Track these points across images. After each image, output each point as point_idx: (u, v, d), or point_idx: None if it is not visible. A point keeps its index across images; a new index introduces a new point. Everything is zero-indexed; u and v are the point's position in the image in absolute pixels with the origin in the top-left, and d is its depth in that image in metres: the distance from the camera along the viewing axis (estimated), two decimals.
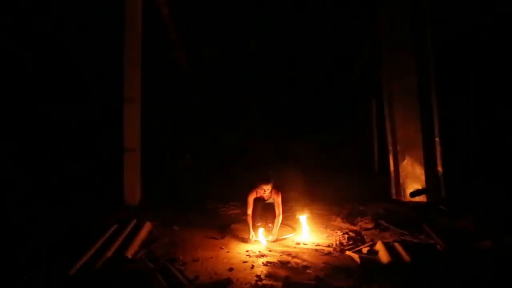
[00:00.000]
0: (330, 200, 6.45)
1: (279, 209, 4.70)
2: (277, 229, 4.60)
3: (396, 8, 6.87)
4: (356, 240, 4.51)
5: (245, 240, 4.44)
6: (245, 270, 3.59)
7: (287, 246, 4.29)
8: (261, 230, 4.52)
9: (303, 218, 4.96)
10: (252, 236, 4.44)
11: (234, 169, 9.15)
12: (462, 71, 7.24)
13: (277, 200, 4.74)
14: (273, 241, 4.44)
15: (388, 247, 4.07)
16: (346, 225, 5.15)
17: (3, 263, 3.62)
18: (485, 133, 7.46)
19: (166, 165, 9.76)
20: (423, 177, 6.42)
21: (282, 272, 3.54)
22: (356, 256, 3.92)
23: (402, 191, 6.62)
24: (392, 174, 6.77)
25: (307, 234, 4.67)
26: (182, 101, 10.97)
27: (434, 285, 3.35)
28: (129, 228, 4.60)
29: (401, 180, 6.65)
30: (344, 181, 8.48)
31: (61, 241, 4.21)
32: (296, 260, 3.85)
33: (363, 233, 4.79)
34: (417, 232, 4.76)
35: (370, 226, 5.09)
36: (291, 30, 10.28)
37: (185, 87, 11.04)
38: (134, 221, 4.92)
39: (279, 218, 4.64)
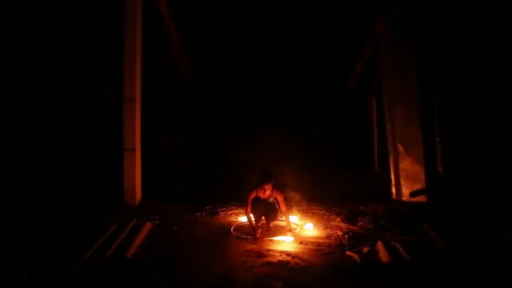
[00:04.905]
0: (330, 200, 6.45)
1: (284, 207, 4.82)
2: (290, 222, 4.81)
3: (396, 8, 6.87)
4: (356, 240, 4.51)
5: (248, 239, 4.46)
6: (245, 270, 3.58)
7: (287, 246, 4.28)
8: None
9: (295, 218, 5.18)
10: (255, 231, 4.55)
11: (234, 169, 9.15)
12: (462, 71, 7.23)
13: (280, 198, 4.79)
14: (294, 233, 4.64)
15: (388, 247, 4.07)
16: (346, 225, 5.15)
17: (2, 263, 3.61)
18: (485, 132, 7.46)
19: (166, 165, 9.76)
20: (423, 177, 6.43)
21: (282, 272, 3.53)
22: (356, 256, 3.92)
23: (402, 191, 6.62)
24: (392, 174, 6.77)
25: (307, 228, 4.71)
26: (182, 101, 10.97)
27: (434, 285, 3.35)
28: (129, 228, 4.60)
29: (401, 180, 6.65)
30: (344, 181, 8.47)
31: (60, 241, 4.20)
32: (296, 260, 3.84)
33: (363, 233, 4.79)
34: (417, 232, 4.76)
35: (370, 226, 5.09)
36: (291, 30, 10.27)
37: (185, 87, 11.04)
38: (134, 221, 4.92)
39: (288, 214, 4.82)
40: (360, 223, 5.20)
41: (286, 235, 4.61)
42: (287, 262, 3.78)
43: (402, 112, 6.70)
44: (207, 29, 9.99)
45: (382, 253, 3.93)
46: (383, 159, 8.58)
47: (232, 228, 4.90)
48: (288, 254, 4.01)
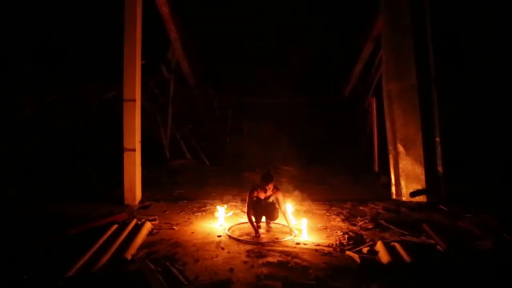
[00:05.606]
0: (330, 200, 6.45)
1: (284, 206, 4.83)
2: (292, 221, 4.83)
3: (396, 8, 6.86)
4: (356, 240, 4.51)
5: (249, 241, 4.45)
6: (245, 270, 3.59)
7: (287, 246, 4.28)
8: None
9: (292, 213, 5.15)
10: (256, 233, 4.53)
11: (234, 169, 9.16)
12: (462, 71, 7.24)
13: (280, 197, 4.80)
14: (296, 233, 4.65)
15: (388, 247, 4.07)
16: (346, 225, 5.15)
17: (3, 263, 3.62)
18: (485, 133, 7.47)
19: (166, 165, 9.77)
20: (423, 177, 6.42)
21: (282, 272, 3.54)
22: (356, 256, 3.92)
23: (402, 191, 6.62)
24: (392, 174, 6.78)
25: (305, 232, 4.67)
26: (182, 101, 10.98)
27: (434, 285, 3.35)
28: (129, 228, 4.60)
29: (401, 180, 6.65)
30: (344, 181, 8.49)
31: (61, 242, 4.20)
32: (296, 260, 3.85)
33: (363, 233, 4.79)
34: (417, 232, 4.76)
35: (370, 226, 5.09)
36: (291, 30, 10.29)
37: (185, 87, 11.04)
38: (134, 221, 4.92)
39: (287, 213, 4.83)
40: (360, 223, 5.20)
41: (292, 234, 4.64)
42: (287, 262, 3.78)
43: (402, 112, 6.70)
44: (207, 29, 10.00)
45: (382, 253, 3.93)
46: (383, 159, 8.59)
47: (228, 228, 4.89)
48: (288, 254, 4.01)
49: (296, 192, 6.60)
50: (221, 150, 10.90)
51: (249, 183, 5.44)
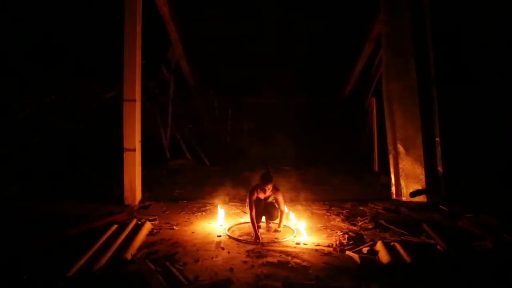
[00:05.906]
0: (330, 200, 6.45)
1: (282, 206, 4.82)
2: (283, 223, 4.85)
3: (396, 8, 6.87)
4: (356, 240, 4.51)
5: (249, 241, 4.44)
6: (245, 270, 3.59)
7: (287, 246, 4.28)
8: None
9: (292, 215, 5.18)
10: (256, 238, 4.43)
11: (234, 169, 9.15)
12: (462, 71, 7.24)
13: (279, 198, 4.79)
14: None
15: (388, 247, 4.07)
16: (346, 225, 5.15)
17: (3, 263, 3.61)
18: (485, 133, 7.47)
19: (166, 165, 9.77)
20: (423, 177, 6.43)
21: (282, 272, 3.54)
22: (356, 256, 3.92)
23: (402, 191, 6.62)
24: (392, 174, 6.78)
25: (303, 232, 4.66)
26: (182, 101, 10.98)
27: (434, 285, 3.35)
28: (129, 228, 4.60)
29: (401, 180, 6.65)
30: (344, 181, 8.48)
31: (61, 242, 4.20)
32: (296, 260, 3.85)
33: (363, 233, 4.79)
34: (417, 232, 4.76)
35: (370, 226, 5.09)
36: (291, 30, 10.29)
37: (185, 87, 11.04)
38: (134, 221, 4.92)
39: (284, 214, 4.85)
40: (360, 223, 5.21)
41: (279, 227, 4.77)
42: (287, 262, 3.78)
43: (402, 112, 6.71)
44: (207, 29, 10.00)
45: (382, 253, 3.93)
46: (383, 159, 8.59)
47: (228, 228, 4.88)
48: (288, 254, 4.01)
49: (296, 192, 6.60)
50: (221, 150, 10.89)
51: (249, 183, 5.43)
